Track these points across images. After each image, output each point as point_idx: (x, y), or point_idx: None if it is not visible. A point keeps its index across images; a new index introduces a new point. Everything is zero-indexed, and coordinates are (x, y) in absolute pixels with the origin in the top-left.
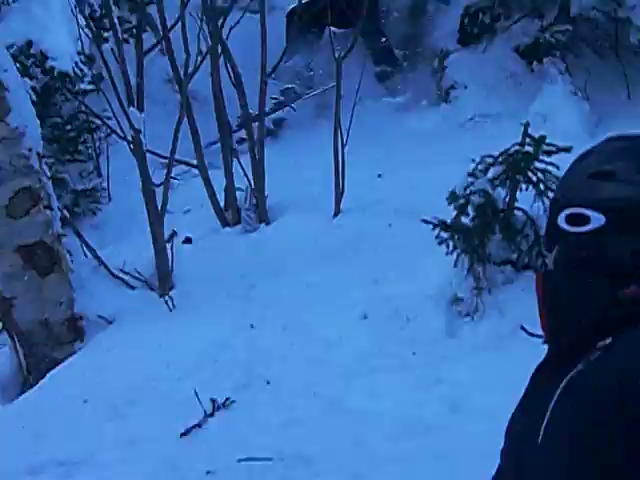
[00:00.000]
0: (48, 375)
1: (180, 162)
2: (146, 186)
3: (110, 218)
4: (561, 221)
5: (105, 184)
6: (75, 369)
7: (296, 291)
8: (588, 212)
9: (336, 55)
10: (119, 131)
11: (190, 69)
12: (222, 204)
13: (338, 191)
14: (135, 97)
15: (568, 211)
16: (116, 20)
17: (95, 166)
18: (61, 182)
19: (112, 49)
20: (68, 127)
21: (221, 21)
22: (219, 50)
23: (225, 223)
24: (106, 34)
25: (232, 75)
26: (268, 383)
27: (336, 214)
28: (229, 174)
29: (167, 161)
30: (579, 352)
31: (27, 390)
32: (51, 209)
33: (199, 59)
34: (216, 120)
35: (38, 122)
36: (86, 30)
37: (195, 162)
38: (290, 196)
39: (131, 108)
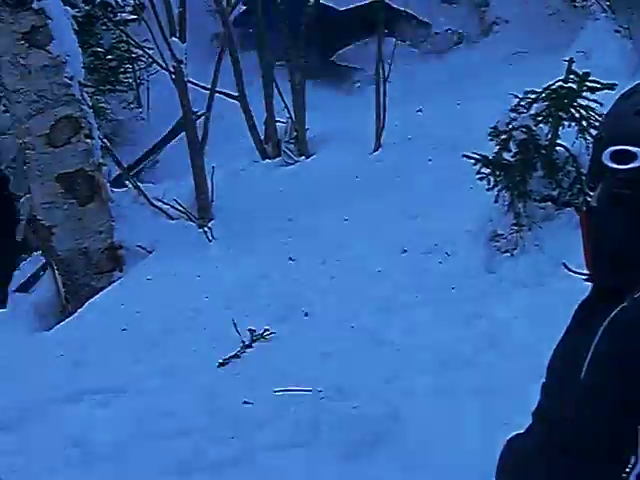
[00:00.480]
0: (87, 304)
1: (221, 93)
2: (187, 117)
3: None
4: (605, 158)
5: (145, 114)
6: (114, 298)
7: (335, 224)
8: (634, 149)
9: None
10: (160, 61)
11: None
12: (262, 137)
13: (379, 125)
14: (177, 27)
15: (613, 148)
16: None
17: (135, 96)
18: (101, 111)
19: None
20: (109, 57)
21: None
22: None
23: (265, 155)
24: None
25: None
26: (306, 315)
27: (376, 148)
28: (269, 106)
29: (208, 92)
30: (624, 289)
31: (66, 318)
32: (92, 138)
33: None
34: (257, 53)
35: (80, 51)
36: None
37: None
38: (331, 130)
39: (173, 38)
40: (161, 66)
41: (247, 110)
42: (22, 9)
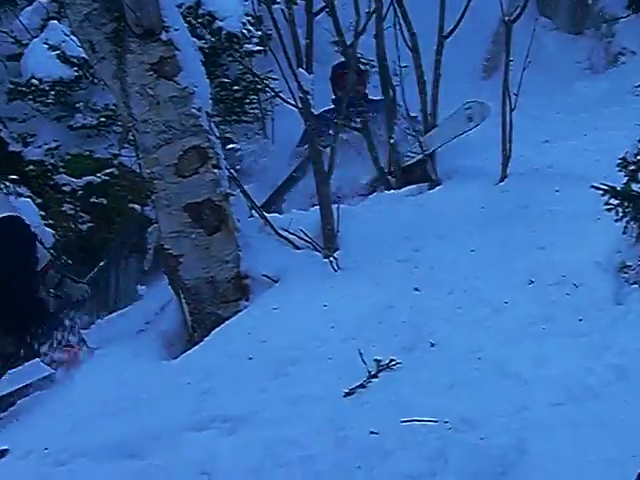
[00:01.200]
0: (213, 332)
1: (346, 125)
2: (313, 146)
3: (273, 177)
4: None
5: (270, 145)
6: (240, 327)
7: (461, 255)
8: None
9: (505, 19)
10: (287, 92)
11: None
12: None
13: (505, 155)
14: (304, 58)
15: None
16: None
17: (261, 127)
18: (227, 142)
19: (282, 10)
20: (235, 87)
21: None
22: (384, 11)
23: (388, 186)
24: None
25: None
26: (432, 346)
27: (502, 179)
28: (392, 138)
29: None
30: None
31: (192, 347)
32: (219, 168)
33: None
34: (380, 84)
35: (208, 82)
36: None
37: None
38: (456, 159)
39: (300, 69)
40: (284, 100)
41: (370, 142)
42: (151, 40)
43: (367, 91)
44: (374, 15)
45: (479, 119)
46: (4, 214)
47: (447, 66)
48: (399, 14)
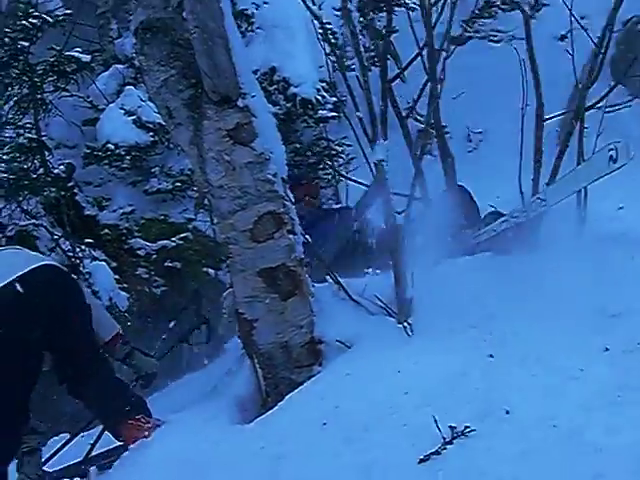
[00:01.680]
0: (287, 397)
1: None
2: (388, 214)
3: None
4: None
5: None
6: (313, 392)
7: (535, 321)
8: None
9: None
10: (361, 158)
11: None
12: None
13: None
14: (379, 125)
15: None
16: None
17: (334, 192)
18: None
19: (357, 76)
20: (308, 153)
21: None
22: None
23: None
24: (348, 62)
25: None
26: (507, 413)
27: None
28: None
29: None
30: None
31: (266, 411)
32: (294, 233)
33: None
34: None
35: (283, 148)
36: (328, 58)
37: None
38: None
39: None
40: (354, 180)
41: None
42: (227, 107)
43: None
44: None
45: (625, 158)
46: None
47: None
48: None
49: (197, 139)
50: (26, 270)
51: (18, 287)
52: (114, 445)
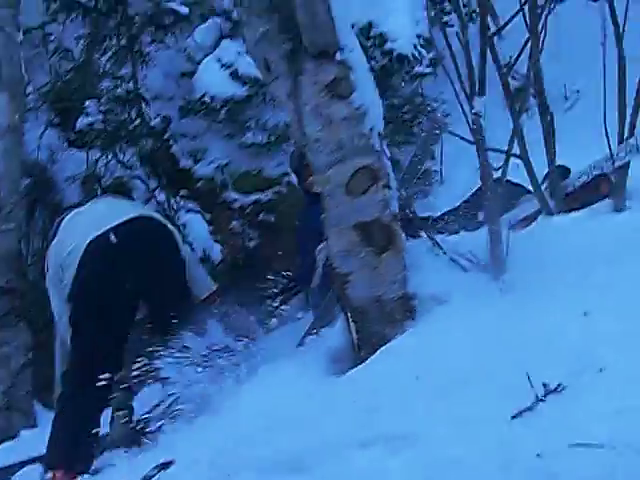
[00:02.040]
0: (379, 351)
1: (513, 155)
2: (484, 171)
3: (441, 200)
4: None
5: (438, 167)
6: (406, 347)
7: (632, 280)
8: None
9: None
10: (457, 115)
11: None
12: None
13: None
14: (477, 80)
15: None
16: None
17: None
18: (395, 163)
19: (456, 32)
20: (404, 109)
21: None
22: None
23: (548, 211)
24: (446, 18)
25: None
26: (601, 370)
27: None
28: (551, 161)
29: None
30: None
31: (358, 365)
32: (389, 188)
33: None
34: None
35: (380, 102)
36: (426, 13)
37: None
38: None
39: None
40: (452, 133)
41: (530, 170)
42: (325, 60)
43: None
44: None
45: None
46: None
47: None
48: None
49: (295, 92)
50: (122, 221)
51: (112, 237)
52: None
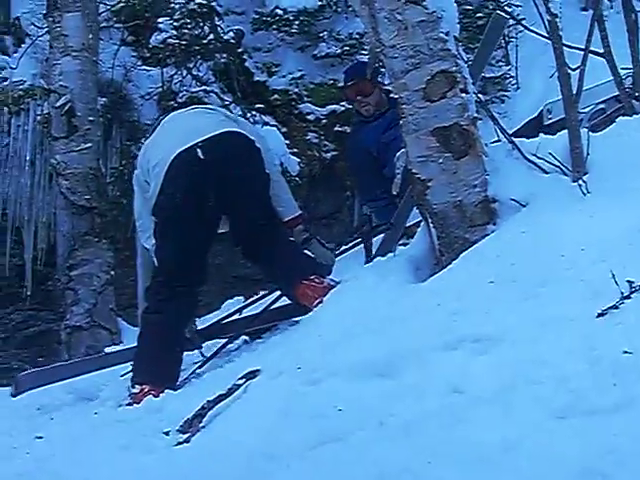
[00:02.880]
0: (461, 256)
1: (591, 52)
2: (562, 69)
3: (518, 105)
4: None
5: (513, 72)
6: (488, 250)
7: None
8: None
9: None
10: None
11: None
12: None
13: None
14: None
15: None
16: None
17: (504, 54)
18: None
19: None
20: (478, 15)
21: None
22: None
23: (633, 110)
24: None
25: None
26: None
27: None
28: (636, 60)
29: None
30: None
31: (440, 270)
32: (467, 92)
33: None
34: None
35: (455, 6)
36: None
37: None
38: None
39: None
40: (526, 27)
41: (614, 67)
42: None
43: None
44: None
45: None
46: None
47: None
48: None
49: None
50: (209, 136)
51: (199, 153)
52: (285, 304)
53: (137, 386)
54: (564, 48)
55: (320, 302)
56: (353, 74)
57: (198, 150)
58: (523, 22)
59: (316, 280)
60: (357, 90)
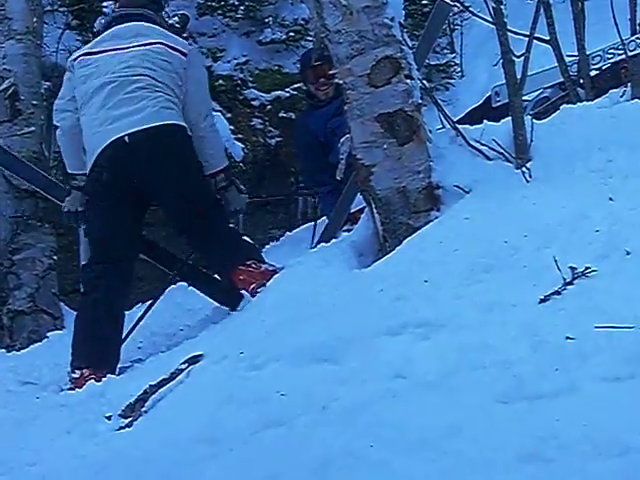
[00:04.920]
0: (405, 242)
1: (535, 38)
2: (506, 56)
3: (461, 93)
4: None
5: (458, 59)
6: (432, 236)
7: None
8: None
9: None
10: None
11: None
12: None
13: None
14: None
15: None
16: None
17: (449, 41)
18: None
19: None
20: (423, 2)
21: None
22: None
23: (578, 98)
24: None
25: None
26: (628, 254)
27: None
28: (581, 48)
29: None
30: None
31: (383, 256)
32: (412, 78)
33: None
34: None
35: None
36: None
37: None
38: None
39: None
40: (473, 13)
41: (560, 54)
42: None
43: None
44: None
45: None
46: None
47: None
48: None
49: None
50: (141, 128)
51: (126, 139)
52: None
53: (77, 371)
54: (509, 35)
55: (256, 287)
56: (320, 56)
57: (126, 138)
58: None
59: (253, 265)
60: (322, 72)
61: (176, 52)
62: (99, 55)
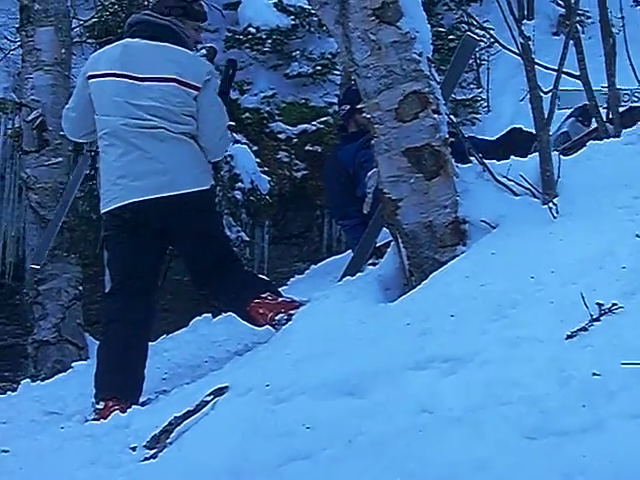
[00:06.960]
0: (431, 276)
1: (564, 73)
2: (533, 93)
3: (489, 128)
4: None
5: (485, 94)
6: (458, 271)
7: None
8: None
9: None
10: (503, 41)
11: None
12: None
13: None
14: (525, 5)
15: None
16: None
17: (475, 77)
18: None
19: None
20: (450, 37)
21: None
22: None
23: (607, 134)
24: None
25: None
26: None
27: None
28: (612, 84)
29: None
30: None
31: (410, 290)
32: (439, 113)
33: None
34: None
35: (429, 27)
36: None
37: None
38: None
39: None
40: (503, 46)
41: (590, 90)
42: None
43: None
44: None
45: None
46: None
47: None
48: None
49: (343, 18)
50: (166, 195)
51: (150, 202)
52: None
53: (101, 402)
54: (537, 70)
55: (274, 316)
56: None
57: (149, 206)
58: (495, 45)
59: (269, 297)
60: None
61: (189, 88)
62: (112, 78)
